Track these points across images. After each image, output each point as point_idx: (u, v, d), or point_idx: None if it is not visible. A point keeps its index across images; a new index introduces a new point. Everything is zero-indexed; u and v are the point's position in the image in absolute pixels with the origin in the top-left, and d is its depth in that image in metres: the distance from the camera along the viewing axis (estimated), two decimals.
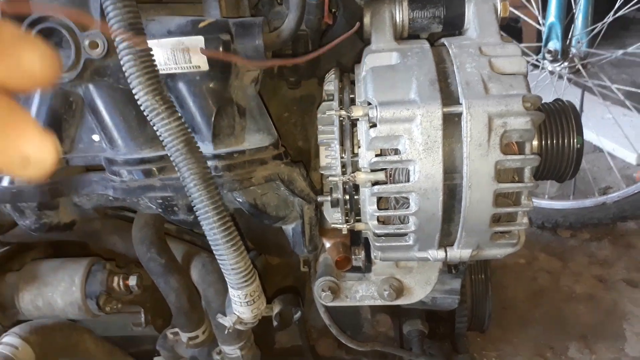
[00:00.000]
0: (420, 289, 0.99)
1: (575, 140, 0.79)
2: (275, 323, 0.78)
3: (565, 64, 2.05)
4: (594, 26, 2.05)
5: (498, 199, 0.74)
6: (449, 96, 0.71)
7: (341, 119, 0.77)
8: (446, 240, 0.80)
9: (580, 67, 2.05)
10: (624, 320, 1.72)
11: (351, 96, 0.80)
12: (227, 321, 0.79)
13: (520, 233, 0.80)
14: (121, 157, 0.75)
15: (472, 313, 1.35)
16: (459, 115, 0.70)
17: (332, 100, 0.78)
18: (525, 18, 2.36)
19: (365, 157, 0.74)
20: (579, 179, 2.21)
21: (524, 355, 1.63)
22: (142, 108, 0.64)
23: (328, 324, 1.07)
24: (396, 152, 0.72)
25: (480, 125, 0.69)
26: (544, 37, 2.04)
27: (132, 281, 1.03)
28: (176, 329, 1.08)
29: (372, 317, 1.29)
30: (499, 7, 0.79)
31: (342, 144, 0.77)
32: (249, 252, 1.12)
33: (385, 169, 0.74)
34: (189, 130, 0.66)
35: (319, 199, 0.83)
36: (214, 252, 0.72)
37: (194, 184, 0.65)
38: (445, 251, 0.80)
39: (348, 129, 0.77)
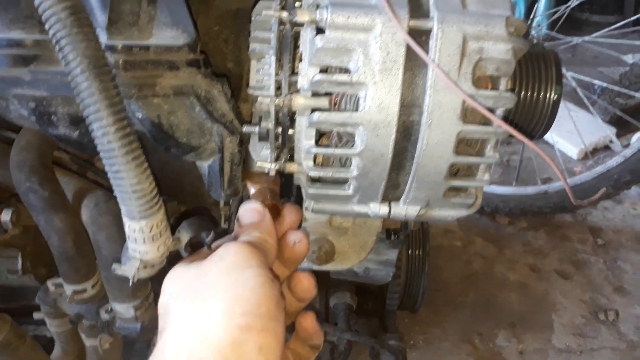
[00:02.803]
0: (354, 253, 0.86)
1: (553, 91, 0.68)
2: (185, 254, 0.61)
3: None
4: (557, 9, 1.98)
5: (460, 145, 0.61)
6: (417, 8, 0.57)
7: (281, 25, 0.61)
8: (392, 193, 0.66)
9: None
10: (554, 311, 1.69)
11: (298, 3, 0.64)
12: (127, 270, 0.61)
13: (478, 192, 0.67)
14: None
15: (405, 290, 1.24)
16: (428, 32, 0.56)
17: (273, 0, 0.62)
18: None
19: (307, 74, 0.59)
20: (522, 167, 2.17)
21: (452, 340, 1.56)
22: None
23: None
24: (346, 72, 0.57)
25: (453, 46, 0.55)
26: None
27: (5, 216, 0.84)
28: (59, 280, 0.89)
29: None
30: None
31: (279, 57, 0.61)
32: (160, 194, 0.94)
33: (329, 93, 0.59)
34: None
35: (245, 128, 0.67)
36: (108, 169, 0.54)
37: (81, 69, 0.47)
38: (390, 206, 0.67)
39: (289, 38, 0.61)
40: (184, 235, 0.61)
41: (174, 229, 0.62)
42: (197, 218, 0.61)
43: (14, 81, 0.57)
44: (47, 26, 0.47)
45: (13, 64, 0.56)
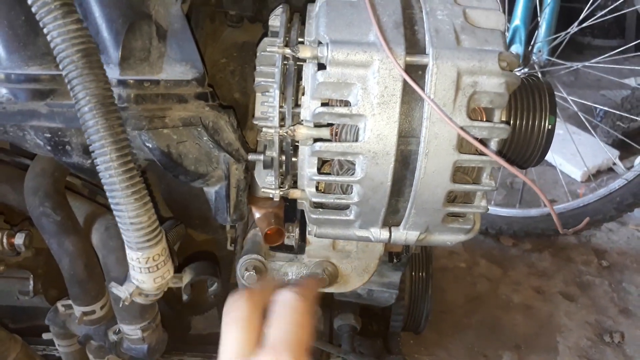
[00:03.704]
0: (357, 276, 0.88)
1: (547, 121, 0.70)
2: (185, 297, 0.64)
3: (525, 70, 2.01)
4: (557, 35, 2.02)
5: (457, 173, 0.63)
6: (414, 45, 0.60)
7: (285, 61, 0.64)
8: (392, 218, 0.69)
9: (540, 75, 2.01)
10: (559, 333, 1.68)
11: (300, 39, 0.68)
12: (122, 291, 0.64)
13: (476, 218, 0.70)
14: (0, 72, 0.59)
15: (409, 312, 1.26)
16: (424, 67, 0.59)
17: (277, 37, 0.65)
18: None
19: (309, 107, 0.62)
20: (525, 189, 2.18)
21: None
22: (29, 2, 0.49)
23: None
24: (346, 104, 0.60)
25: (447, 81, 0.58)
26: (507, 39, 1.99)
27: (19, 239, 0.86)
28: (69, 301, 0.91)
29: None
30: None
31: (283, 90, 0.64)
32: (164, 220, 0.97)
33: (331, 124, 0.62)
34: (92, 39, 0.52)
35: (250, 157, 0.70)
36: (110, 201, 0.57)
37: (89, 108, 0.51)
38: (390, 231, 0.69)
39: (292, 73, 0.64)
40: (187, 276, 0.63)
41: (181, 267, 0.64)
42: (204, 263, 0.63)
43: (31, 114, 0.60)
44: (60, 66, 0.51)
45: (31, 98, 0.59)
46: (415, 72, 0.59)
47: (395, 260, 0.96)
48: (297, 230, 0.89)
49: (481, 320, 1.72)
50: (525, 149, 0.72)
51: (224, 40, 0.85)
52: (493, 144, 0.62)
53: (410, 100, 0.60)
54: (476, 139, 0.60)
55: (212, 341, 1.26)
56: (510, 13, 2.03)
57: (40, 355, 1.08)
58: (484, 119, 0.62)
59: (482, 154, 0.61)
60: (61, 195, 0.86)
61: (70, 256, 0.85)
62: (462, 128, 0.58)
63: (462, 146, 0.61)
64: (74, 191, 0.96)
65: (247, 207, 0.80)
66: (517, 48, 1.96)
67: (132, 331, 0.87)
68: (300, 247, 0.88)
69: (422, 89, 0.58)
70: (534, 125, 0.71)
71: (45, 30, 0.51)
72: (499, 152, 0.64)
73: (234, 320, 0.52)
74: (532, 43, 1.98)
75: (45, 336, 1.04)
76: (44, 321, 1.04)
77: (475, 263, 1.94)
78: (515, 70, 1.68)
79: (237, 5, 0.74)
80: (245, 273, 0.85)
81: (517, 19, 1.96)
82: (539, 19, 2.02)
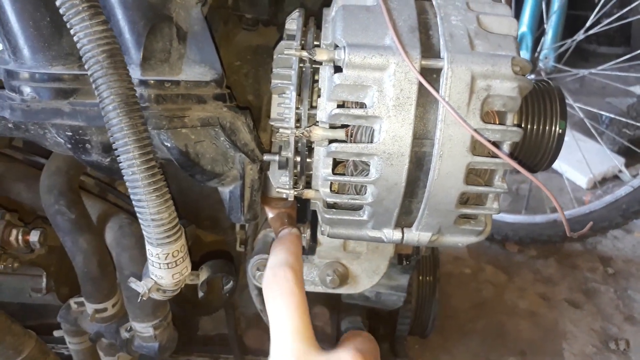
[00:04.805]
0: (367, 277, 0.89)
1: (558, 125, 0.71)
2: (200, 293, 0.65)
3: (532, 76, 2.02)
4: (563, 42, 2.03)
5: (470, 175, 0.64)
6: (429, 49, 0.61)
7: (301, 63, 0.65)
8: (405, 219, 0.69)
9: None
10: (564, 339, 1.69)
11: (316, 43, 0.69)
12: (141, 286, 0.65)
13: (487, 220, 0.71)
14: (25, 71, 0.61)
15: (416, 315, 1.26)
16: (438, 71, 0.60)
17: (293, 40, 0.66)
18: None
19: (325, 108, 0.63)
20: (531, 196, 2.19)
21: None
22: (58, 4, 0.51)
23: (259, 309, 0.94)
24: (362, 106, 0.61)
25: (462, 84, 0.59)
26: None
27: (34, 237, 0.88)
28: (81, 299, 0.92)
29: (309, 309, 1.17)
30: None
31: (299, 92, 0.65)
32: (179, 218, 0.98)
33: (346, 126, 0.63)
34: (116, 40, 0.53)
35: (265, 157, 0.71)
36: (132, 197, 0.58)
37: (113, 107, 0.53)
38: (402, 232, 0.70)
39: (308, 75, 0.65)
40: (204, 273, 0.64)
41: (197, 265, 0.65)
42: (221, 261, 0.65)
43: (54, 112, 0.61)
44: (86, 66, 0.53)
45: (54, 97, 0.61)
46: (430, 75, 0.60)
47: (405, 262, 0.97)
48: (308, 231, 0.90)
49: (486, 325, 1.72)
50: (535, 152, 0.73)
51: (238, 43, 0.86)
52: (505, 147, 0.63)
53: (425, 102, 0.61)
54: (489, 141, 0.61)
55: (219, 342, 1.27)
56: (517, 18, 2.05)
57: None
58: (497, 122, 0.63)
59: (494, 156, 0.62)
60: (76, 194, 0.87)
61: (84, 254, 0.86)
62: (475, 130, 0.59)
63: (475, 149, 0.62)
64: (86, 190, 0.97)
65: (260, 207, 0.81)
66: (523, 55, 1.97)
67: (144, 329, 0.88)
68: (311, 248, 0.89)
69: (437, 92, 0.59)
70: (544, 129, 0.72)
71: (72, 31, 0.52)
72: (511, 155, 0.65)
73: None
74: (538, 50, 1.99)
75: (56, 333, 1.05)
76: (54, 319, 1.05)
77: (481, 269, 1.95)
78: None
79: (254, 9, 0.76)
80: (257, 273, 0.86)
81: (524, 26, 1.98)
82: (545, 26, 2.04)
